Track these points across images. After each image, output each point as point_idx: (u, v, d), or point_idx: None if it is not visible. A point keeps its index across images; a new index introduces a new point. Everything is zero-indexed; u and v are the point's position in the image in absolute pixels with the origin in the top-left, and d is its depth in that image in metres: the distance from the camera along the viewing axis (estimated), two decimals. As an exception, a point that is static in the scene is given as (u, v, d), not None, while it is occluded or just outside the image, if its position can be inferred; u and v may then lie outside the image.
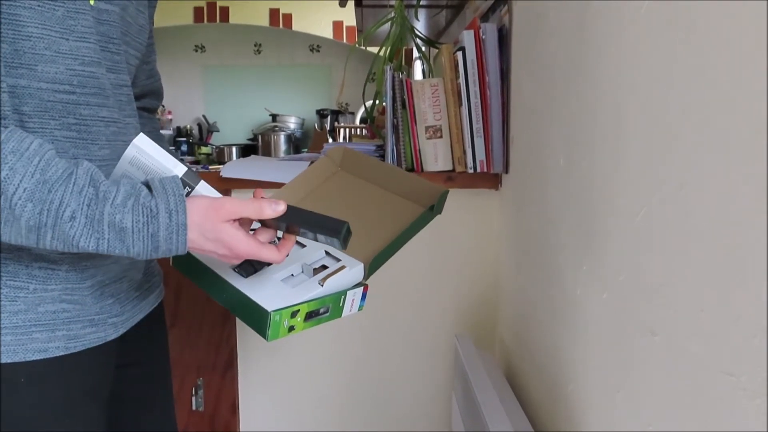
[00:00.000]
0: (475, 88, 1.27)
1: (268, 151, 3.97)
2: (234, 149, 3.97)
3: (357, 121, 4.02)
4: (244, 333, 1.45)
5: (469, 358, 1.11)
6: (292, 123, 4.20)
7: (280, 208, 0.67)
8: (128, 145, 0.65)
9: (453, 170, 1.35)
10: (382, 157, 1.41)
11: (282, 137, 3.99)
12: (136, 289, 0.81)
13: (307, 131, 4.30)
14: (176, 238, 0.62)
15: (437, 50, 1.61)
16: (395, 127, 1.36)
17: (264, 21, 4.06)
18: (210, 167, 2.38)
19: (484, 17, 1.49)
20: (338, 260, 0.83)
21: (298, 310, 0.74)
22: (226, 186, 1.37)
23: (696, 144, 0.53)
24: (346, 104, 4.39)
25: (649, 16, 0.62)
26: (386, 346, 1.45)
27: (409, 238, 0.89)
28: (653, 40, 0.61)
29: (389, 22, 1.71)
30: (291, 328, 0.74)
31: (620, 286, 0.70)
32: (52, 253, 0.67)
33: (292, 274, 0.81)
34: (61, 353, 0.68)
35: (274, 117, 4.20)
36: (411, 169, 1.37)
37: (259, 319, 0.72)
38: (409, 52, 2.89)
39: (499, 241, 1.38)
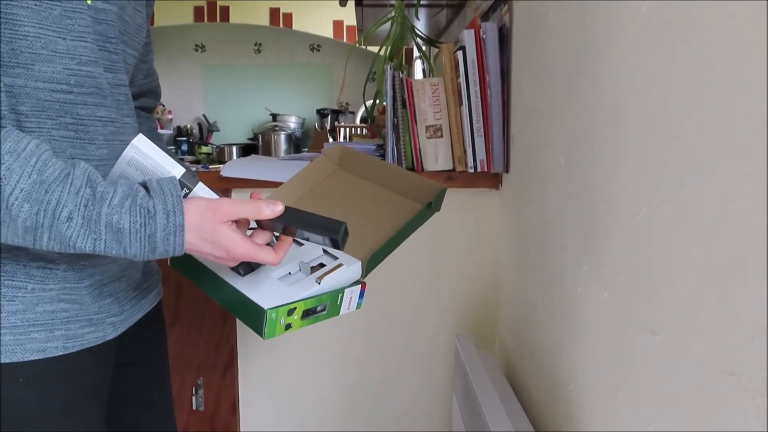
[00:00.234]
0: (475, 88, 1.26)
1: (268, 151, 3.97)
2: (234, 149, 3.97)
3: (357, 121, 4.02)
4: (244, 332, 1.45)
5: (470, 357, 1.11)
6: (292, 122, 4.20)
7: (278, 209, 0.67)
8: (126, 144, 0.65)
9: (453, 170, 1.35)
10: (383, 156, 1.41)
11: (282, 137, 3.99)
12: (134, 289, 0.81)
13: (308, 131, 4.30)
14: (173, 240, 0.62)
15: (437, 49, 1.61)
16: (395, 127, 1.36)
17: (264, 20, 4.06)
18: (210, 167, 2.38)
19: (485, 17, 1.49)
20: (336, 258, 0.83)
21: (295, 308, 0.74)
22: (226, 185, 1.37)
23: (696, 144, 0.53)
24: (347, 104, 4.39)
25: (649, 16, 0.62)
26: (386, 345, 1.45)
27: (407, 235, 0.89)
28: (653, 40, 0.61)
29: (389, 22, 1.71)
30: (288, 326, 0.74)
31: (620, 286, 0.70)
32: (50, 253, 0.67)
33: (290, 273, 0.81)
34: (60, 353, 0.68)
35: (274, 116, 4.20)
36: (411, 169, 1.37)
37: (255, 317, 0.72)
38: (410, 52, 2.89)
39: (499, 240, 1.38)
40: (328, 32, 4.11)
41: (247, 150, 4.01)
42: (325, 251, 0.85)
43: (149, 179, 0.64)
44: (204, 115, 4.39)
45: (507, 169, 1.29)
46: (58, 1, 0.63)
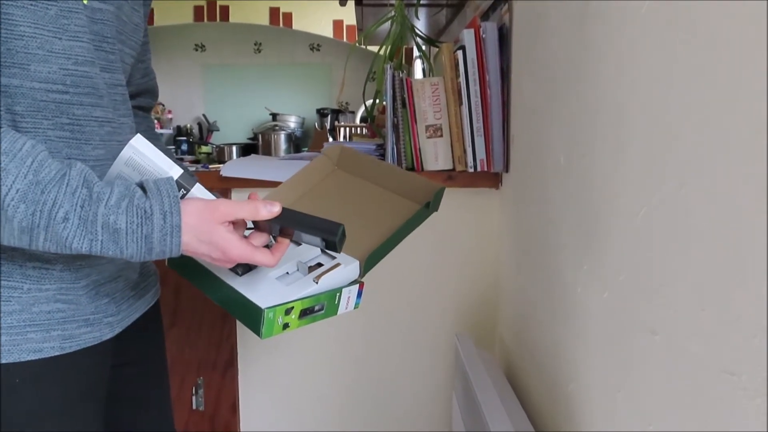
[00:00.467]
0: (475, 87, 1.26)
1: (268, 151, 3.97)
2: (234, 148, 3.97)
3: (357, 120, 4.02)
4: (244, 332, 1.45)
5: (470, 357, 1.10)
6: (292, 122, 4.20)
7: (276, 209, 0.67)
8: (123, 145, 0.65)
9: (453, 169, 1.34)
10: (383, 156, 1.41)
11: (282, 136, 3.99)
12: (131, 289, 0.80)
13: (308, 130, 4.30)
14: (170, 240, 0.62)
15: (437, 49, 1.61)
16: (395, 126, 1.35)
17: (264, 20, 4.06)
18: (210, 166, 2.38)
19: (485, 16, 1.49)
20: (333, 258, 0.83)
21: (293, 308, 0.74)
22: (226, 185, 1.37)
23: (696, 144, 0.53)
24: (347, 103, 4.39)
25: (649, 16, 0.62)
26: (386, 345, 1.45)
27: (405, 235, 0.89)
28: (653, 40, 0.61)
29: (389, 21, 1.71)
30: (285, 326, 0.74)
31: (620, 286, 0.70)
32: (46, 253, 0.67)
33: (287, 272, 0.81)
34: (57, 353, 0.68)
35: (274, 116, 4.20)
36: (411, 168, 1.37)
37: (253, 316, 0.72)
38: (410, 51, 2.89)
39: (500, 240, 1.38)
40: (328, 32, 4.11)
41: (247, 150, 4.01)
42: (322, 251, 0.85)
43: (146, 180, 0.64)
44: (204, 115, 4.40)
45: (507, 169, 1.29)
46: (54, 0, 0.63)
